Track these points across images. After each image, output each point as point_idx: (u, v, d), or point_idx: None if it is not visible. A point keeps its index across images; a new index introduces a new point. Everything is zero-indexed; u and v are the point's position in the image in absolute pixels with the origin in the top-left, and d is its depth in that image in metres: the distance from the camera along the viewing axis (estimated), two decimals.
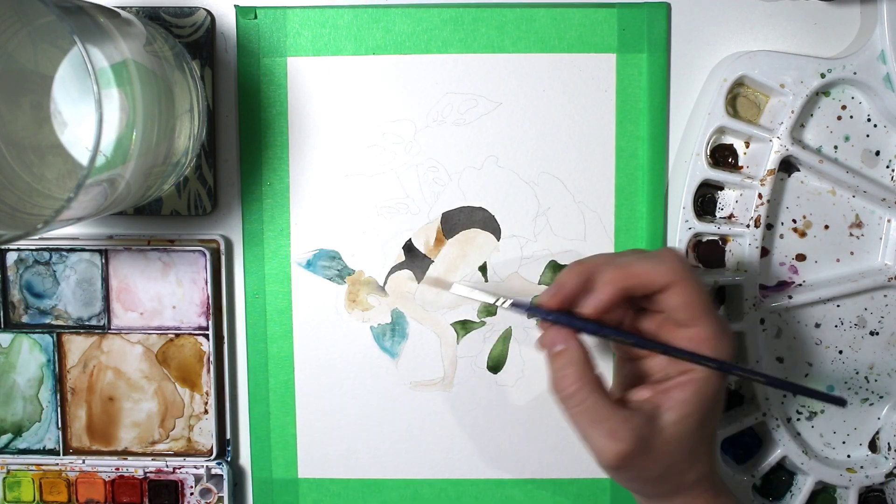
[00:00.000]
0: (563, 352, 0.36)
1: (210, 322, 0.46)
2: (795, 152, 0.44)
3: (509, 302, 0.40)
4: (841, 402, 0.38)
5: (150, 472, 0.47)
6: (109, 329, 0.46)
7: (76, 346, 0.47)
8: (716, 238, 0.46)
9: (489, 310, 0.46)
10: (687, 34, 0.45)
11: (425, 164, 0.45)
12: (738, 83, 0.44)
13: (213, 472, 0.47)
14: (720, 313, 0.39)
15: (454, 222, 0.46)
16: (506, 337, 0.46)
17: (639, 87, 0.45)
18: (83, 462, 0.47)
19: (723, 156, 0.45)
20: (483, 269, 0.46)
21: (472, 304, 0.46)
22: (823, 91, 0.45)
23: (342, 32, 0.45)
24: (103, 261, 0.46)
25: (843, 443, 0.47)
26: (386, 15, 0.44)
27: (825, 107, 0.45)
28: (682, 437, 0.35)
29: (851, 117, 0.45)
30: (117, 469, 0.47)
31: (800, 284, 0.46)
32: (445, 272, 0.46)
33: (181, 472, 0.47)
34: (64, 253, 0.46)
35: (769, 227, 0.46)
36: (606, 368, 0.46)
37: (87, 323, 0.47)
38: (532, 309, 0.39)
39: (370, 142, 0.45)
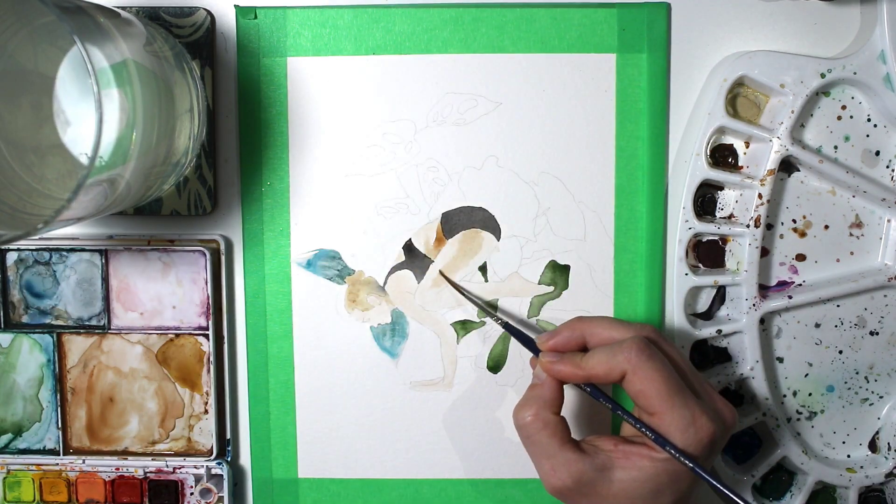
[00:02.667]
0: (537, 386, 0.39)
1: (210, 322, 0.46)
2: (795, 152, 0.44)
3: (502, 322, 0.43)
4: None
5: (150, 472, 0.47)
6: (109, 329, 0.46)
7: (76, 346, 0.47)
8: (716, 238, 0.46)
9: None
10: (687, 34, 0.45)
11: (425, 164, 0.45)
12: (738, 83, 0.44)
13: (214, 471, 0.47)
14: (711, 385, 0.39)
15: (454, 222, 0.46)
16: (506, 337, 0.46)
17: (639, 87, 0.45)
18: (83, 462, 0.47)
19: (723, 156, 0.45)
20: (483, 269, 0.46)
21: (473, 304, 0.46)
22: (823, 91, 0.45)
23: (342, 32, 0.45)
24: (103, 261, 0.46)
25: (843, 443, 0.47)
26: (386, 15, 0.44)
27: (825, 107, 0.45)
28: (630, 497, 0.36)
29: (851, 117, 0.45)
30: (117, 469, 0.47)
31: (800, 284, 0.46)
32: (445, 272, 0.46)
33: (181, 472, 0.47)
34: (64, 253, 0.46)
35: (769, 227, 0.46)
36: None
37: (87, 323, 0.47)
38: (525, 341, 0.41)
39: (370, 142, 0.45)
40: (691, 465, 0.35)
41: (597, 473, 0.36)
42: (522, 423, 0.38)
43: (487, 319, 0.46)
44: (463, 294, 0.45)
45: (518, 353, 0.46)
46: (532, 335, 0.41)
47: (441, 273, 0.46)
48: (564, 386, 0.39)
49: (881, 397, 0.47)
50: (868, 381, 0.47)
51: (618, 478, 0.36)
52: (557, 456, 0.37)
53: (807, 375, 0.47)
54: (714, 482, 0.35)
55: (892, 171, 0.45)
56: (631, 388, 0.36)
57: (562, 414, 0.38)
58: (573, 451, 0.37)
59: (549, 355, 0.39)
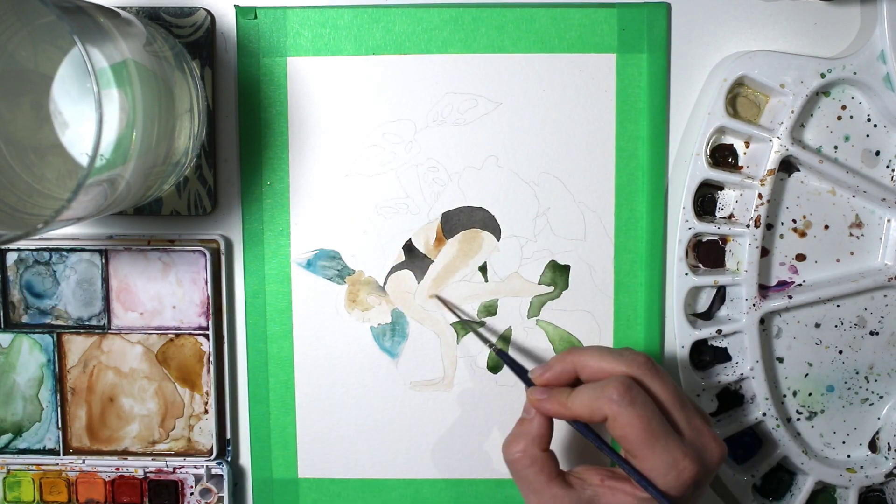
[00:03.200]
0: (525, 421, 0.39)
1: (210, 322, 0.46)
2: (795, 152, 0.44)
3: (496, 349, 0.44)
4: None
5: (150, 472, 0.47)
6: (109, 329, 0.46)
7: (76, 346, 0.47)
8: (716, 238, 0.46)
9: (489, 310, 0.46)
10: (687, 34, 0.45)
11: (425, 164, 0.45)
12: (738, 83, 0.44)
13: (213, 471, 0.47)
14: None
15: (454, 222, 0.46)
16: (506, 337, 0.46)
17: (639, 87, 0.45)
18: (83, 462, 0.47)
19: (723, 156, 0.45)
20: (483, 269, 0.46)
21: (472, 304, 0.46)
22: (823, 91, 0.45)
23: (342, 32, 0.45)
24: (103, 261, 0.46)
25: (843, 443, 0.47)
26: (386, 15, 0.44)
27: (825, 107, 0.45)
28: None
29: (851, 117, 0.45)
30: (117, 469, 0.47)
31: (800, 284, 0.46)
32: (445, 272, 0.46)
33: (181, 472, 0.47)
34: (64, 253, 0.46)
35: (769, 227, 0.46)
36: None
37: (87, 323, 0.47)
38: (519, 372, 0.41)
39: (370, 142, 0.45)
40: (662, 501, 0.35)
41: None
42: (511, 459, 0.38)
43: (488, 320, 0.46)
44: (459, 317, 0.46)
45: (518, 354, 0.46)
46: (527, 366, 0.42)
47: (438, 297, 0.46)
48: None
49: (881, 397, 0.47)
50: (868, 381, 0.47)
51: None
52: (544, 492, 0.37)
53: (807, 375, 0.47)
54: None
55: (892, 171, 0.45)
56: (613, 432, 0.36)
57: (552, 447, 0.39)
58: (560, 486, 0.37)
59: (537, 392, 0.39)
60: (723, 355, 0.46)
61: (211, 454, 0.47)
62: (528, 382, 0.40)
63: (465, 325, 0.46)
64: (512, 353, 0.46)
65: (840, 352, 0.46)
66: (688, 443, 0.36)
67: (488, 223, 0.46)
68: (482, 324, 0.46)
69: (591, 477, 0.38)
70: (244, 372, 0.47)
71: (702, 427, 0.37)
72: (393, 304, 0.46)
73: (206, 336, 0.46)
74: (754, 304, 0.45)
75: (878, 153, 0.45)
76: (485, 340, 0.45)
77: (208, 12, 0.44)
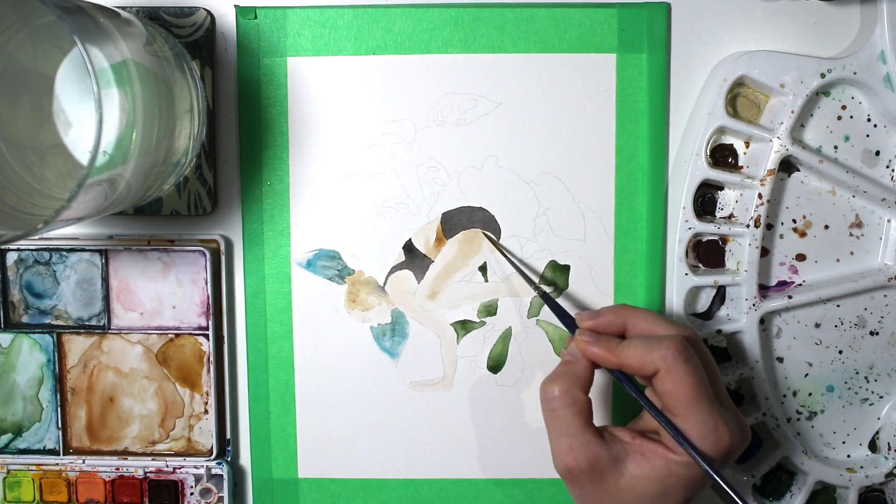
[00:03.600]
0: (570, 363, 0.39)
1: (210, 322, 0.46)
2: (795, 152, 0.44)
3: (541, 292, 0.43)
4: None
5: (151, 472, 0.47)
6: (109, 329, 0.46)
7: (76, 346, 0.47)
8: (716, 238, 0.46)
9: (489, 310, 0.46)
10: (687, 34, 0.45)
11: (425, 164, 0.45)
12: (738, 83, 0.44)
13: (214, 471, 0.47)
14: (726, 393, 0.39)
15: (454, 222, 0.46)
16: (506, 337, 0.46)
17: (639, 87, 0.45)
18: (83, 462, 0.47)
19: (723, 156, 0.45)
20: (483, 269, 0.46)
21: (472, 304, 0.46)
22: (823, 91, 0.45)
23: (342, 32, 0.45)
24: (103, 261, 0.46)
25: (843, 443, 0.47)
26: (386, 15, 0.44)
27: (825, 107, 0.45)
28: (636, 493, 0.36)
29: (851, 117, 0.45)
30: (117, 469, 0.47)
31: (800, 284, 0.46)
32: (445, 272, 0.46)
33: (181, 472, 0.47)
34: (64, 253, 0.46)
35: (769, 227, 0.46)
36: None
37: (87, 323, 0.47)
38: (563, 316, 0.41)
39: (370, 142, 0.45)
40: (709, 469, 0.35)
41: (610, 463, 0.36)
42: (550, 397, 0.37)
43: (488, 319, 0.46)
44: (506, 257, 0.45)
45: (518, 354, 0.46)
46: (571, 313, 0.41)
47: (486, 235, 0.46)
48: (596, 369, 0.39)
49: (881, 397, 0.47)
50: (868, 381, 0.47)
51: (629, 472, 0.36)
52: (578, 436, 0.36)
53: (807, 375, 0.47)
54: (731, 491, 0.35)
55: (892, 171, 0.45)
56: (660, 387, 0.36)
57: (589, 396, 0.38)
58: (594, 434, 0.37)
59: (586, 335, 0.38)
60: (723, 355, 0.46)
61: (211, 454, 0.47)
62: (572, 328, 0.40)
63: (513, 266, 0.45)
64: (512, 352, 0.46)
65: (840, 352, 0.46)
66: (728, 416, 0.36)
67: (488, 223, 0.46)
68: (524, 266, 0.46)
69: (621, 434, 0.37)
70: (244, 372, 0.47)
71: (733, 406, 0.38)
72: (393, 304, 0.46)
73: (207, 336, 0.46)
74: (754, 304, 0.45)
75: (878, 153, 0.45)
76: (530, 282, 0.44)
77: (208, 12, 0.44)
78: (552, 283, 0.46)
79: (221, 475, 0.47)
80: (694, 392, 0.35)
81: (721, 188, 0.46)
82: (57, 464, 0.47)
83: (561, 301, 0.46)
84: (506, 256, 0.45)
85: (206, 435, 0.47)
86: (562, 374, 0.38)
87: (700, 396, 0.35)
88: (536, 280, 0.45)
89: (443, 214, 0.46)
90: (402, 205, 0.46)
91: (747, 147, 0.45)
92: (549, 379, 0.38)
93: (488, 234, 0.46)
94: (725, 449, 0.35)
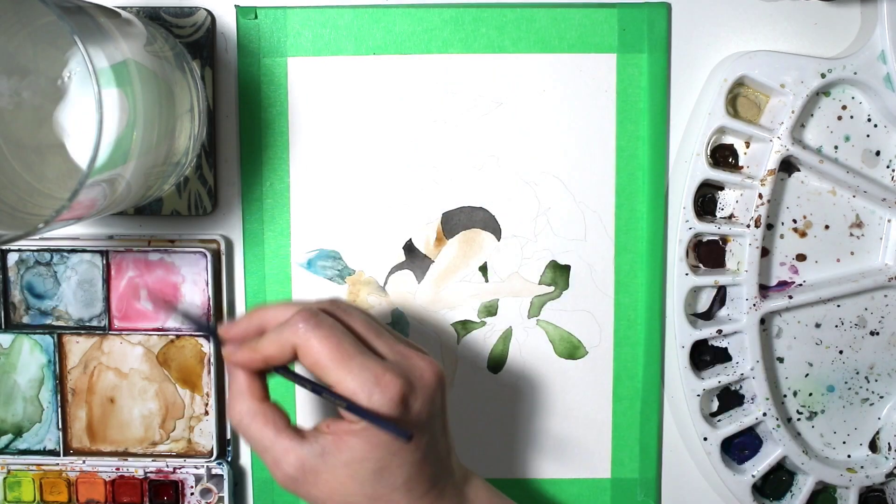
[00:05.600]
0: (232, 380, 0.37)
1: (211, 323, 0.46)
2: (796, 152, 0.44)
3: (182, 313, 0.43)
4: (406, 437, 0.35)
5: (151, 473, 0.47)
6: (110, 330, 0.46)
7: (77, 346, 0.47)
8: (716, 238, 0.46)
9: (489, 310, 0.46)
10: (687, 34, 0.45)
11: (425, 164, 0.45)
12: (739, 83, 0.44)
13: (214, 472, 0.47)
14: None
15: (454, 222, 0.46)
16: (506, 337, 0.46)
17: (639, 87, 0.45)
18: (83, 462, 0.47)
19: (723, 156, 0.45)
20: (483, 269, 0.46)
21: (473, 304, 0.46)
22: (824, 91, 0.45)
23: (342, 32, 0.45)
24: (104, 262, 0.46)
25: (844, 443, 0.47)
26: (386, 15, 0.44)
27: (825, 107, 0.45)
28: (356, 479, 0.34)
29: (852, 117, 0.45)
30: (118, 469, 0.47)
31: (800, 284, 0.46)
32: (446, 272, 0.46)
33: (181, 472, 0.47)
34: (65, 254, 0.46)
35: (769, 227, 0.46)
36: None
37: (87, 324, 0.47)
38: (205, 329, 0.40)
39: (370, 142, 0.45)
40: (370, 418, 0.33)
41: (319, 459, 0.34)
42: (234, 422, 0.36)
43: (488, 320, 0.46)
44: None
45: (518, 353, 0.46)
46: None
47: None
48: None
49: (881, 397, 0.47)
50: (868, 381, 0.47)
51: (338, 461, 0.34)
52: (274, 446, 0.35)
53: (807, 375, 0.47)
54: (388, 429, 0.33)
55: (893, 171, 0.45)
56: (306, 362, 0.34)
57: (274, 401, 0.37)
58: (290, 438, 0.35)
59: (229, 347, 0.37)
60: (723, 355, 0.46)
61: (211, 455, 0.47)
62: (216, 338, 0.38)
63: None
64: (512, 352, 0.46)
65: (840, 352, 0.46)
66: (391, 363, 0.34)
67: (488, 223, 0.46)
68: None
69: (321, 426, 0.36)
70: None
71: (407, 351, 0.36)
72: (393, 304, 0.46)
73: (207, 337, 0.46)
74: (754, 304, 0.45)
75: (878, 153, 0.45)
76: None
77: (209, 12, 0.44)
78: (552, 283, 0.46)
79: (222, 475, 0.47)
80: (337, 352, 0.33)
81: (721, 188, 0.46)
82: (57, 464, 0.47)
83: (561, 301, 0.46)
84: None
85: (206, 436, 0.47)
86: (231, 396, 0.36)
87: (345, 355, 0.33)
88: None
89: (443, 214, 0.46)
90: (402, 205, 0.46)
91: (748, 147, 0.45)
92: (227, 407, 0.37)
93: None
94: (398, 395, 0.33)
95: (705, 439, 0.45)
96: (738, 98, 0.45)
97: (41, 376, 0.47)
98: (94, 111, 0.29)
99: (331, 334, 0.34)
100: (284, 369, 0.36)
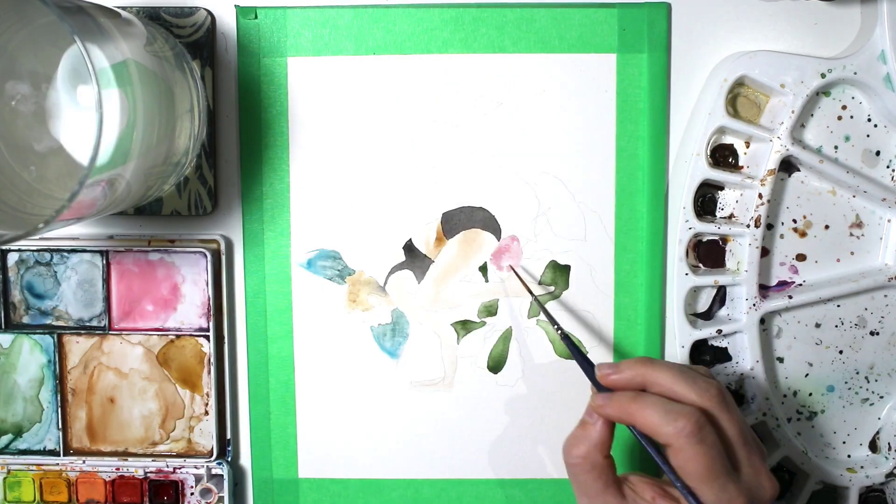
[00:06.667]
0: (588, 425, 0.38)
1: (211, 323, 0.46)
2: (796, 152, 0.44)
3: (562, 334, 0.42)
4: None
5: (151, 472, 0.47)
6: (110, 330, 0.46)
7: (77, 346, 0.47)
8: (716, 238, 0.46)
9: (489, 310, 0.46)
10: (687, 34, 0.45)
11: (425, 164, 0.45)
12: (739, 83, 0.44)
13: (214, 471, 0.47)
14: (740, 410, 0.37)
15: (454, 222, 0.46)
16: (506, 337, 0.46)
17: (639, 87, 0.45)
18: (83, 462, 0.47)
19: (723, 156, 0.45)
20: (483, 269, 0.46)
21: (473, 304, 0.46)
22: (824, 91, 0.45)
23: (342, 32, 0.45)
24: (104, 262, 0.46)
25: (844, 443, 0.47)
26: (386, 15, 0.44)
27: (825, 107, 0.45)
28: None
29: (852, 117, 0.45)
30: (118, 469, 0.47)
31: (800, 284, 0.46)
32: (445, 272, 0.46)
33: (182, 472, 0.47)
34: (65, 254, 0.46)
35: (769, 227, 0.46)
36: None
37: (87, 324, 0.47)
38: (584, 364, 0.40)
39: (370, 142, 0.45)
40: None
41: None
42: (570, 462, 0.38)
43: (488, 320, 0.46)
44: (531, 294, 0.45)
45: (518, 353, 0.46)
46: (593, 360, 0.40)
47: (512, 268, 0.46)
48: None
49: (881, 397, 0.47)
50: (868, 381, 0.47)
51: None
52: (597, 498, 0.37)
53: (807, 375, 0.47)
54: None
55: (893, 171, 0.45)
56: (673, 460, 0.36)
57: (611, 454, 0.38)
58: (614, 496, 0.37)
59: (600, 398, 0.38)
60: (723, 355, 0.46)
61: (211, 455, 0.47)
62: (594, 380, 0.39)
63: (536, 304, 0.45)
64: (512, 352, 0.46)
65: (840, 352, 0.46)
66: (744, 482, 0.36)
67: (488, 223, 0.46)
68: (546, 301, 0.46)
69: (644, 491, 0.37)
70: (244, 372, 0.47)
71: (760, 465, 0.37)
72: (393, 304, 0.46)
73: (207, 337, 0.46)
74: (754, 304, 0.45)
75: (878, 153, 0.45)
76: (555, 325, 0.43)
77: (208, 12, 0.44)
78: (553, 283, 0.46)
79: (222, 475, 0.47)
80: (706, 471, 0.35)
81: (721, 188, 0.46)
82: (57, 464, 0.47)
83: (562, 301, 0.46)
84: (529, 291, 0.45)
85: (206, 436, 0.47)
86: (580, 438, 0.38)
87: (712, 475, 0.35)
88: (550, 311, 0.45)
89: (443, 214, 0.46)
90: (402, 205, 0.46)
91: (747, 147, 0.45)
92: (568, 443, 0.38)
93: (514, 268, 0.46)
94: None
95: None
96: (738, 98, 0.45)
97: (41, 376, 0.47)
98: (94, 111, 0.29)
99: (708, 453, 0.35)
100: (645, 436, 0.37)
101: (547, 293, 0.46)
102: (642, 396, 0.37)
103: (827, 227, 0.46)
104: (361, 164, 0.45)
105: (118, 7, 0.38)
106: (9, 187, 0.38)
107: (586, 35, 0.44)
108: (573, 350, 0.41)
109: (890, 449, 0.46)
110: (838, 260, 0.46)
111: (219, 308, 0.46)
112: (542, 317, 0.46)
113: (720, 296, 0.46)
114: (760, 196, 0.44)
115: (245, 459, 0.48)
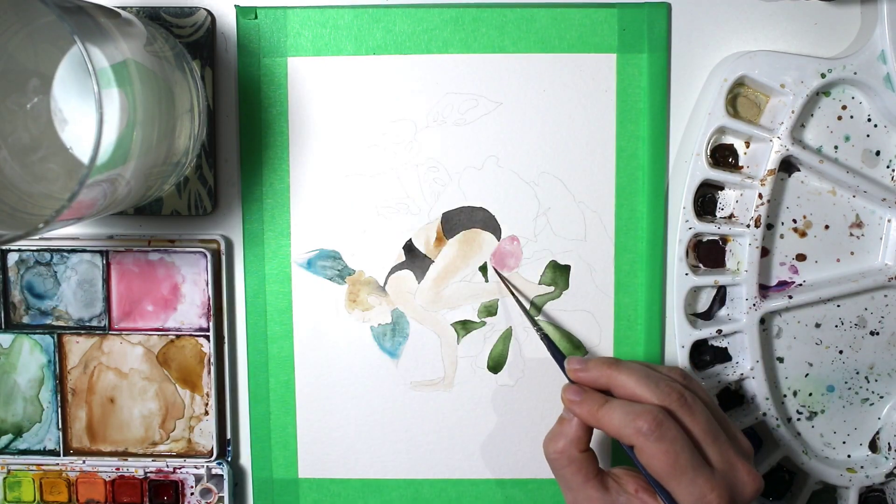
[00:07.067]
0: (565, 421, 0.39)
1: (211, 323, 0.46)
2: (796, 152, 0.44)
3: (540, 333, 0.43)
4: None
5: (151, 472, 0.47)
6: (110, 330, 0.46)
7: (77, 346, 0.47)
8: (716, 238, 0.46)
9: (489, 310, 0.46)
10: (687, 34, 0.45)
11: (425, 164, 0.45)
12: (739, 83, 0.44)
13: (214, 471, 0.47)
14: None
15: (454, 222, 0.46)
16: (506, 337, 0.46)
17: (639, 87, 0.45)
18: (83, 462, 0.47)
19: (723, 156, 0.45)
20: (483, 269, 0.46)
21: (473, 304, 0.46)
22: (824, 91, 0.45)
23: (342, 32, 0.45)
24: (104, 262, 0.46)
25: (844, 443, 0.47)
26: (386, 15, 0.44)
27: (825, 107, 0.45)
28: None
29: (852, 117, 0.45)
30: (118, 469, 0.47)
31: (800, 284, 0.46)
32: (445, 272, 0.46)
33: (182, 472, 0.47)
34: (65, 254, 0.46)
35: (769, 227, 0.46)
36: None
37: (87, 324, 0.47)
38: (558, 358, 0.42)
39: (370, 142, 0.45)
40: None
41: None
42: (550, 458, 0.39)
43: (488, 320, 0.46)
44: (512, 293, 0.45)
45: (518, 353, 0.46)
46: (566, 353, 0.41)
47: (494, 269, 0.46)
48: None
49: (881, 397, 0.47)
50: (868, 381, 0.47)
51: None
52: (580, 492, 0.38)
53: (807, 375, 0.47)
54: None
55: (893, 171, 0.45)
56: (641, 460, 0.36)
57: (591, 446, 0.39)
58: (595, 488, 0.38)
59: (571, 392, 0.39)
60: (723, 355, 0.46)
61: (211, 455, 0.47)
62: (565, 371, 0.40)
63: (517, 302, 0.45)
64: (512, 352, 0.46)
65: (840, 352, 0.46)
66: (718, 476, 0.36)
67: (488, 223, 0.46)
68: (531, 305, 0.46)
69: (627, 484, 0.38)
70: (244, 372, 0.47)
71: (735, 460, 0.37)
72: (393, 304, 0.46)
73: (207, 337, 0.46)
74: (754, 304, 0.45)
75: (878, 153, 0.45)
76: (531, 320, 0.44)
77: (209, 12, 0.44)
78: (553, 283, 0.46)
79: (222, 475, 0.47)
80: (671, 467, 0.35)
81: (721, 188, 0.46)
82: (57, 464, 0.47)
83: (562, 301, 0.46)
84: (510, 290, 0.45)
85: (206, 436, 0.47)
86: (558, 434, 0.39)
87: (678, 470, 0.35)
88: (530, 305, 0.46)
89: (443, 214, 0.46)
90: (402, 205, 0.46)
91: (747, 147, 0.45)
92: (547, 438, 0.39)
93: (497, 270, 0.46)
94: None
95: None
96: (738, 98, 0.45)
97: (41, 376, 0.47)
98: (94, 111, 0.29)
99: (670, 448, 0.35)
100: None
101: (546, 293, 0.46)
102: (608, 402, 0.38)
103: (827, 227, 0.46)
104: (361, 163, 0.45)
105: (118, 7, 0.38)
106: (9, 187, 0.38)
107: (586, 35, 0.44)
108: (547, 342, 0.43)
109: (890, 449, 0.46)
110: (838, 260, 0.46)
111: (219, 308, 0.46)
112: (542, 317, 0.46)
113: (720, 296, 0.46)
114: (760, 196, 0.44)
115: (245, 459, 0.48)
